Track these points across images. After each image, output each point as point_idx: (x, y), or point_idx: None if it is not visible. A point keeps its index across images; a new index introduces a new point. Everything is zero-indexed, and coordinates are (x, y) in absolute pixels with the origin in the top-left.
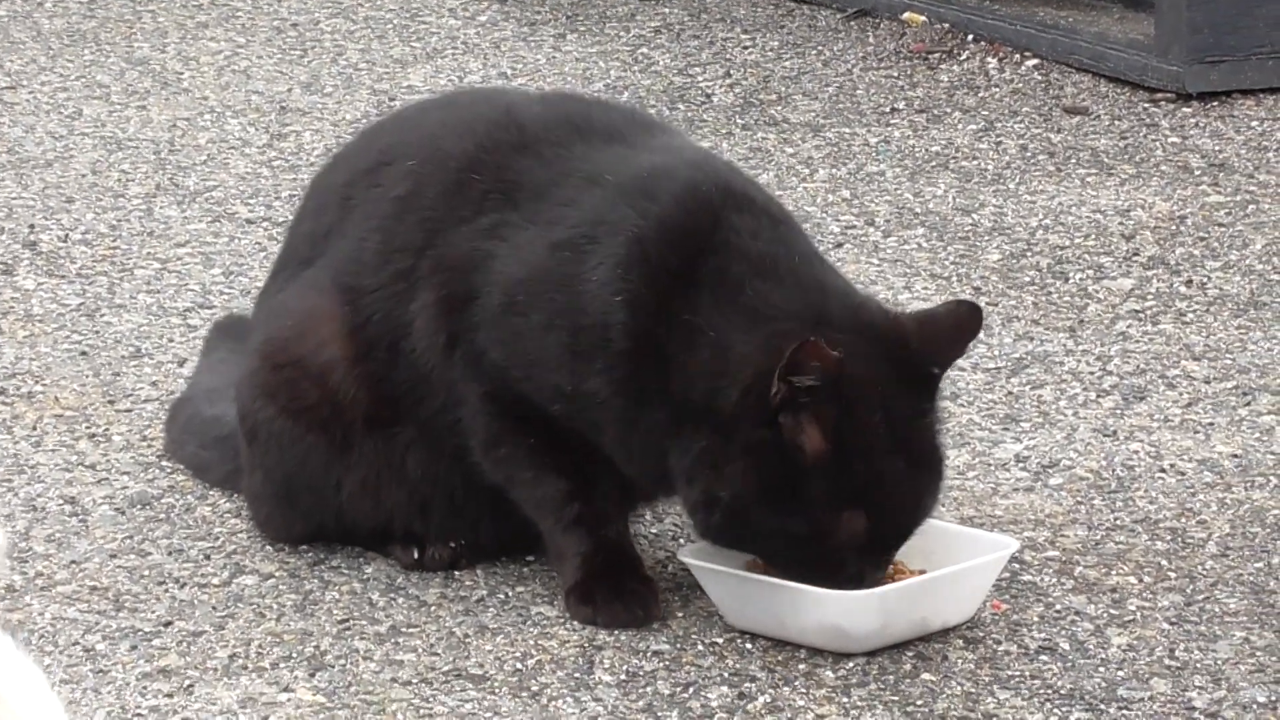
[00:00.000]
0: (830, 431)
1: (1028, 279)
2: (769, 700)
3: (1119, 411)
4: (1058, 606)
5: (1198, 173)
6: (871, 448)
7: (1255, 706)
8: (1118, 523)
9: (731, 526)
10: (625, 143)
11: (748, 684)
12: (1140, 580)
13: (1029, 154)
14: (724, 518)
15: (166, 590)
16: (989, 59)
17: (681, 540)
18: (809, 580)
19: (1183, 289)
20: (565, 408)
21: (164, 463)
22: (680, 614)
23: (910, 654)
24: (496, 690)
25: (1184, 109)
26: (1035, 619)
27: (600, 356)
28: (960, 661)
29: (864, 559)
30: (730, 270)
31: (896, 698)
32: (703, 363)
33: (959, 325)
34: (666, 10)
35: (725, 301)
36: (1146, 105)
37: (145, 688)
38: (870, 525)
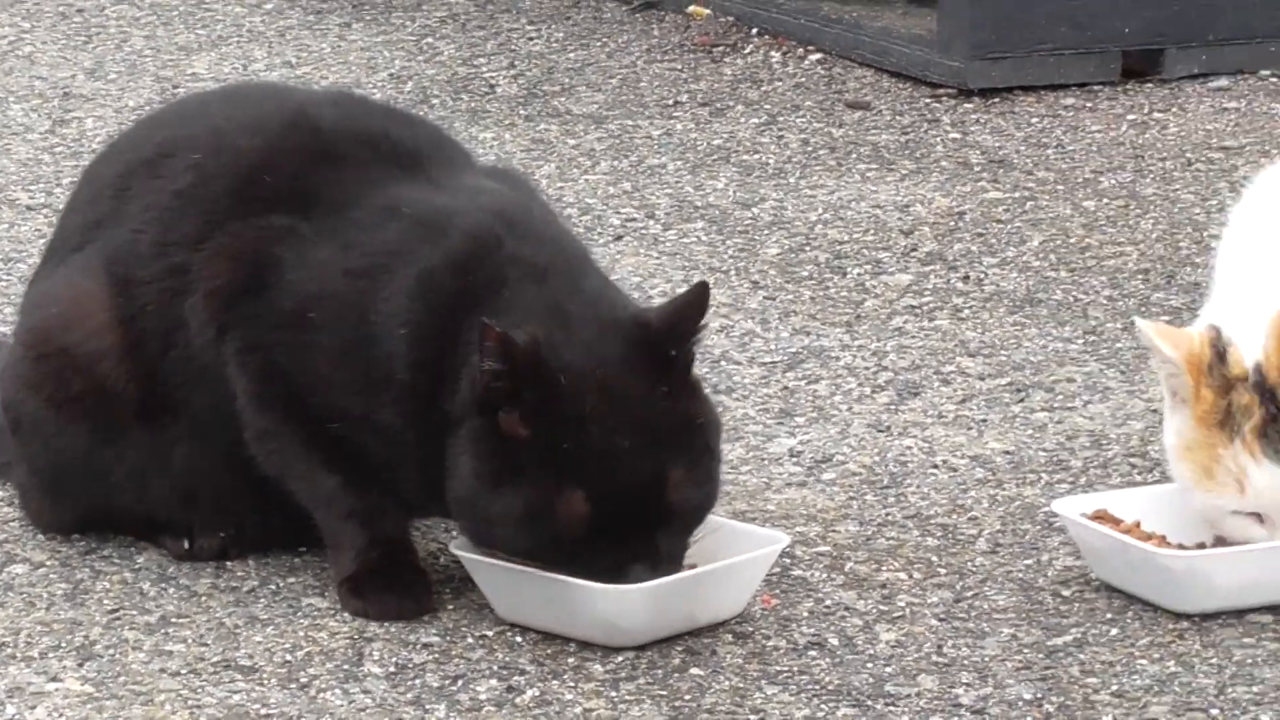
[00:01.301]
0: (531, 416)
1: (806, 273)
2: (538, 694)
3: (893, 407)
4: (827, 602)
5: (977, 169)
6: (586, 430)
7: (1021, 703)
8: (889, 518)
9: (473, 522)
10: (423, 172)
11: (517, 677)
12: (910, 576)
13: (810, 148)
14: (462, 513)
15: None
16: (773, 53)
17: (453, 532)
18: (569, 573)
19: (960, 285)
20: (350, 429)
21: None
22: (451, 606)
23: (679, 648)
24: (265, 681)
25: (965, 105)
26: (805, 614)
27: (389, 388)
28: (729, 656)
29: (627, 551)
30: (504, 297)
31: (665, 692)
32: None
33: (690, 304)
34: (453, 0)
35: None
36: (928, 101)
37: None
38: (593, 506)
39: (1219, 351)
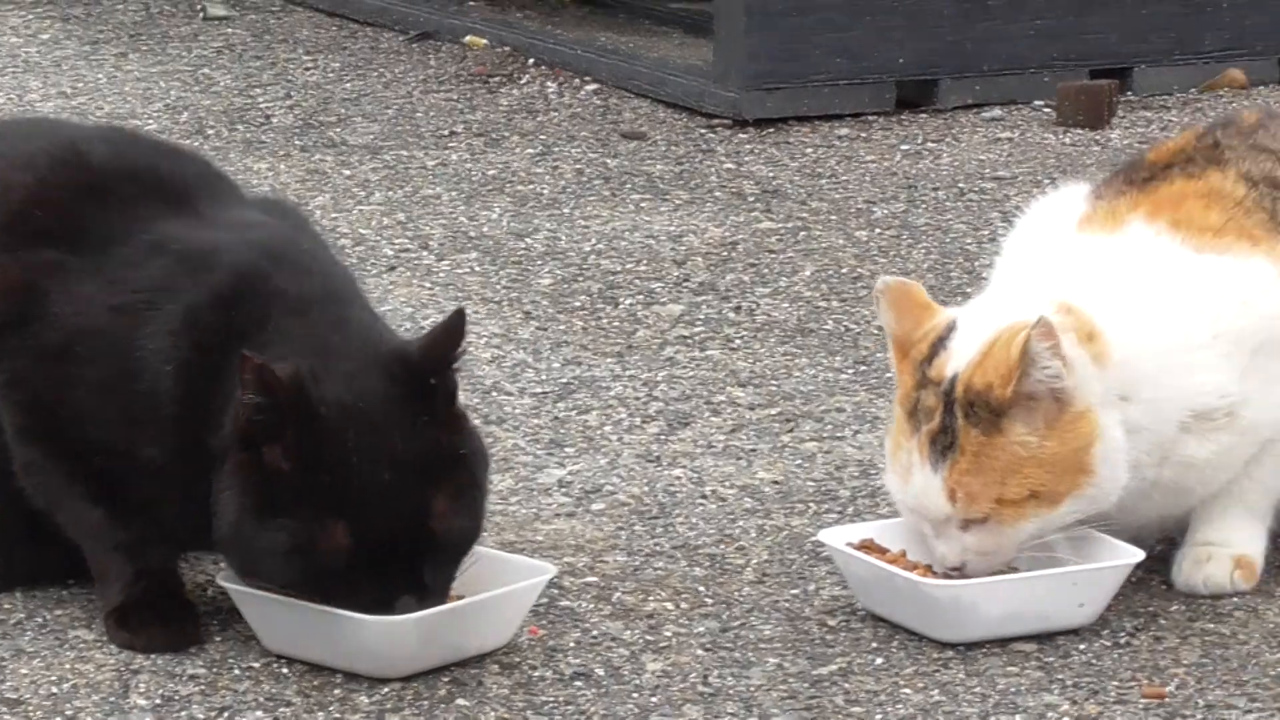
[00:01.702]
0: (293, 449)
1: (578, 304)
2: None
3: (663, 437)
4: (594, 632)
5: (751, 199)
6: (347, 462)
7: None
8: (657, 549)
9: (239, 556)
10: (192, 208)
11: (283, 709)
12: (677, 606)
13: (585, 179)
14: (228, 546)
15: None
16: (549, 83)
17: (221, 563)
18: (335, 604)
19: (732, 315)
20: (116, 463)
21: None
22: (219, 638)
23: (446, 679)
24: (31, 714)
25: (740, 135)
26: (571, 645)
27: (155, 423)
28: (495, 687)
29: (392, 583)
30: (268, 331)
31: None
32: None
33: (448, 332)
34: (230, 31)
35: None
36: (704, 131)
37: None
38: (355, 539)
39: (934, 350)
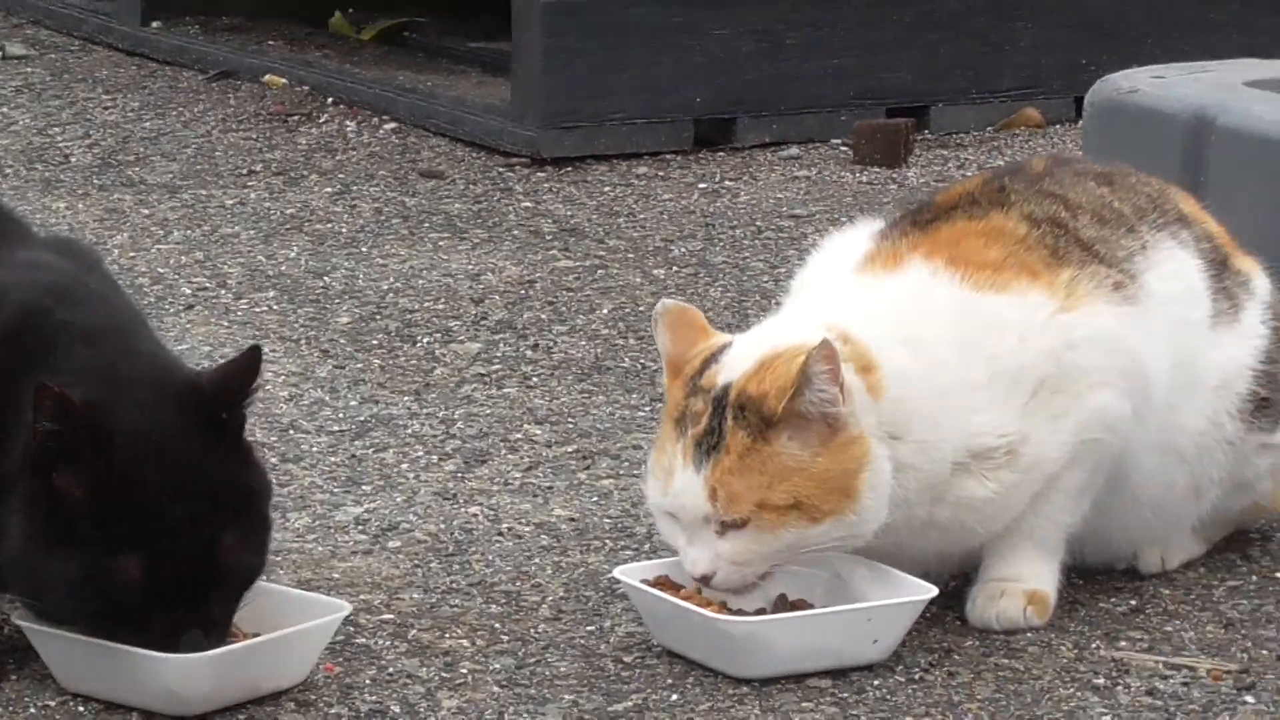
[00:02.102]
0: (88, 477)
1: (376, 342)
2: None
3: (460, 475)
4: (390, 669)
5: (549, 237)
6: (140, 493)
7: None
8: (454, 586)
9: (26, 586)
10: None
11: None
12: (474, 643)
13: (383, 217)
14: (15, 575)
15: None
16: (348, 122)
17: (17, 602)
18: (122, 639)
19: (529, 353)
20: None
21: None
22: (15, 677)
23: (242, 716)
24: None
25: (539, 174)
26: (368, 682)
27: None
28: None
29: (180, 617)
30: (56, 361)
31: None
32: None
33: (242, 368)
34: (29, 70)
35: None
36: (502, 170)
37: None
38: (147, 571)
39: (706, 364)
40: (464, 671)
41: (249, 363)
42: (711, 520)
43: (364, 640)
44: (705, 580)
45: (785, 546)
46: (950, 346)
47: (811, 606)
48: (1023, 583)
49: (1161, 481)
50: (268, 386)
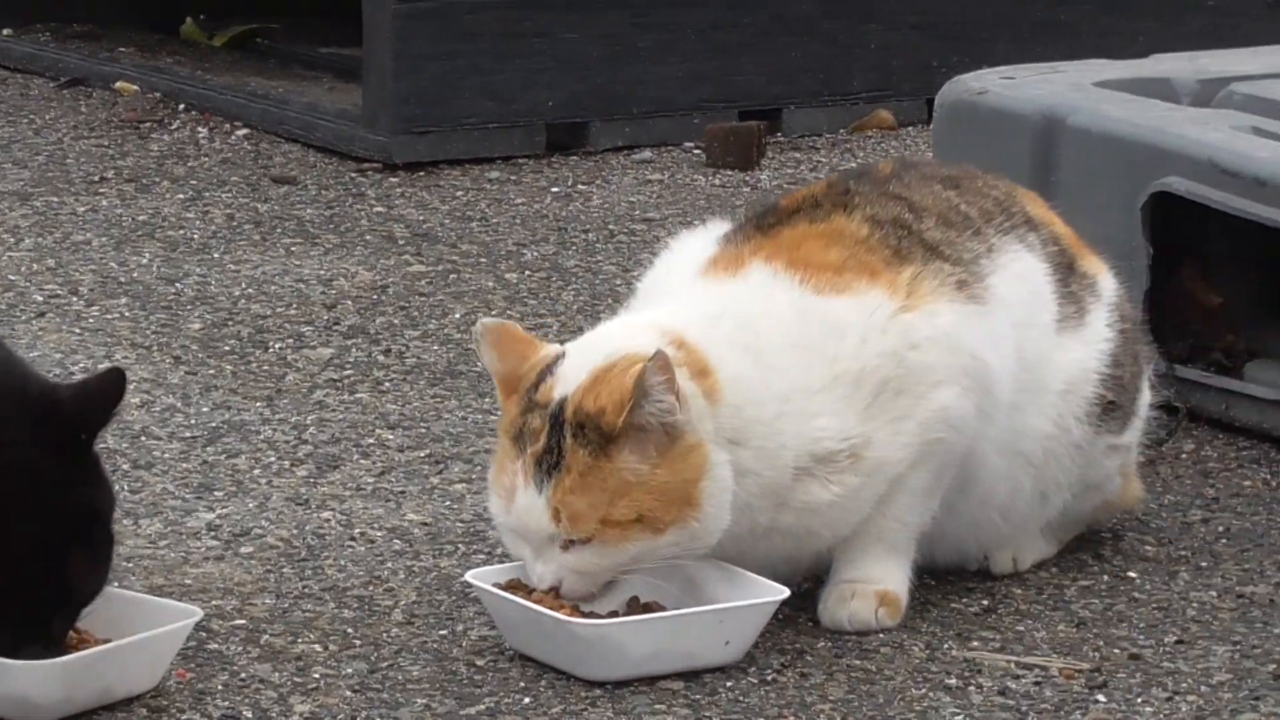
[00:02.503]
0: None
1: (228, 348)
2: None
3: (312, 480)
4: (243, 675)
5: (402, 242)
6: None
7: None
8: (306, 591)
9: None
10: None
11: None
12: (326, 648)
13: (236, 223)
14: None
15: None
16: (200, 128)
17: None
18: None
19: (381, 358)
20: None
21: None
22: None
23: None
24: None
25: (391, 179)
26: (220, 687)
27: None
28: None
29: (21, 633)
30: None
31: None
32: None
33: (106, 392)
34: None
35: None
36: (354, 175)
37: None
38: (5, 591)
39: (541, 378)
40: (316, 676)
41: (112, 386)
42: (556, 539)
43: (216, 646)
44: (555, 593)
45: (630, 558)
46: (790, 351)
47: (664, 609)
48: (874, 584)
49: (1008, 485)
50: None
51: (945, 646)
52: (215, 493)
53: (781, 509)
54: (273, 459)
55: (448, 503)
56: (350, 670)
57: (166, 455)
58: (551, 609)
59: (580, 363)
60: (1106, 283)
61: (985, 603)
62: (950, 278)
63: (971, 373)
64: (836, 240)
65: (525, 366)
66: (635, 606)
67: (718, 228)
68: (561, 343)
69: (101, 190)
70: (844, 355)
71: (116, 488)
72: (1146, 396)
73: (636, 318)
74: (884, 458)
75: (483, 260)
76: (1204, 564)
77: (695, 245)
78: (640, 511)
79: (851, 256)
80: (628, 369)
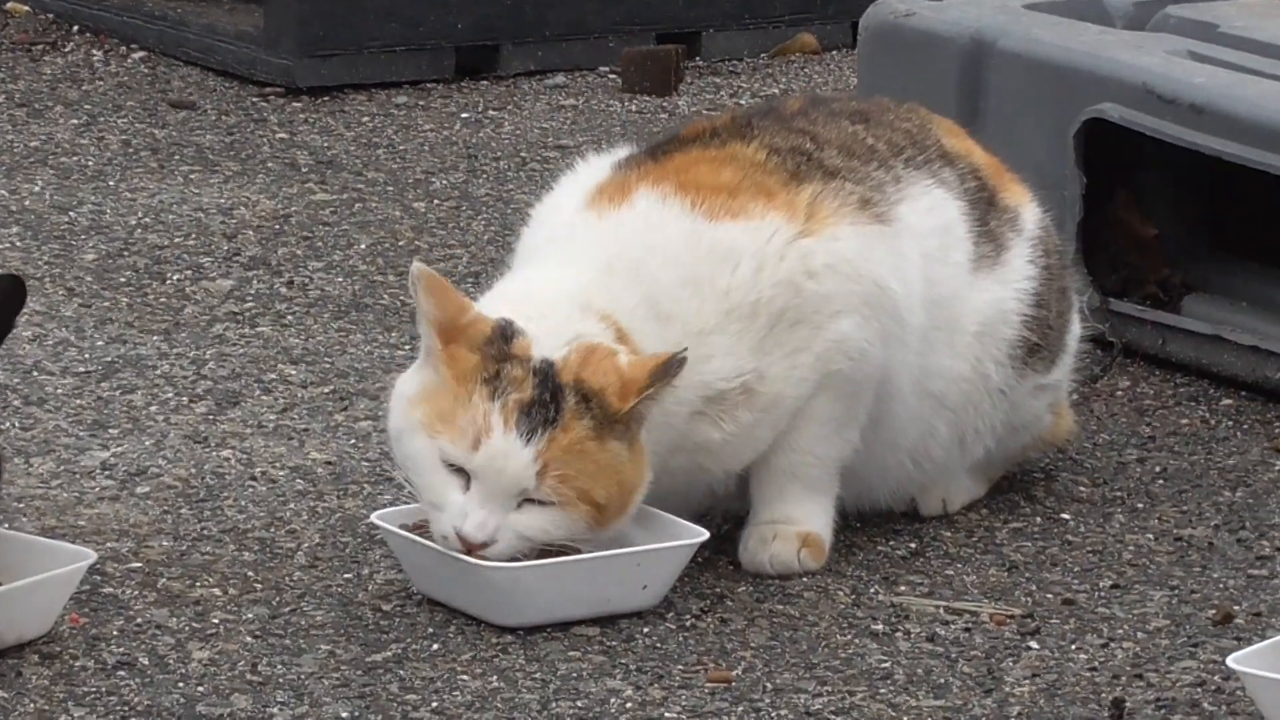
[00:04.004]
0: None
1: (124, 279)
2: None
3: (212, 417)
4: (139, 620)
5: (305, 170)
6: None
7: None
8: (205, 533)
9: None
10: None
11: None
12: (225, 593)
13: (132, 150)
14: None
15: None
16: (95, 51)
17: None
18: None
19: (284, 290)
20: None
21: None
22: None
23: None
24: None
25: (294, 104)
26: (115, 633)
27: None
28: (35, 678)
29: None
30: None
31: None
32: None
33: (3, 300)
34: None
35: None
36: (255, 100)
37: None
38: None
39: (507, 334)
40: (215, 622)
41: (10, 293)
42: (523, 494)
43: (111, 590)
44: (480, 546)
45: (566, 536)
46: (681, 290)
47: (578, 552)
48: (795, 525)
49: (920, 428)
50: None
51: (871, 591)
52: (110, 430)
53: (675, 452)
54: (170, 395)
55: (353, 441)
56: (251, 615)
57: (59, 391)
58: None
59: (548, 331)
60: (1029, 215)
61: (913, 545)
62: (852, 196)
63: (872, 301)
64: (730, 162)
65: (465, 318)
66: (548, 550)
67: (621, 153)
68: (474, 275)
69: None
70: (737, 286)
71: (6, 425)
72: (1076, 331)
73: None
74: (779, 393)
75: (389, 189)
76: (1140, 505)
77: (588, 175)
78: (608, 498)
79: (746, 178)
80: (611, 356)
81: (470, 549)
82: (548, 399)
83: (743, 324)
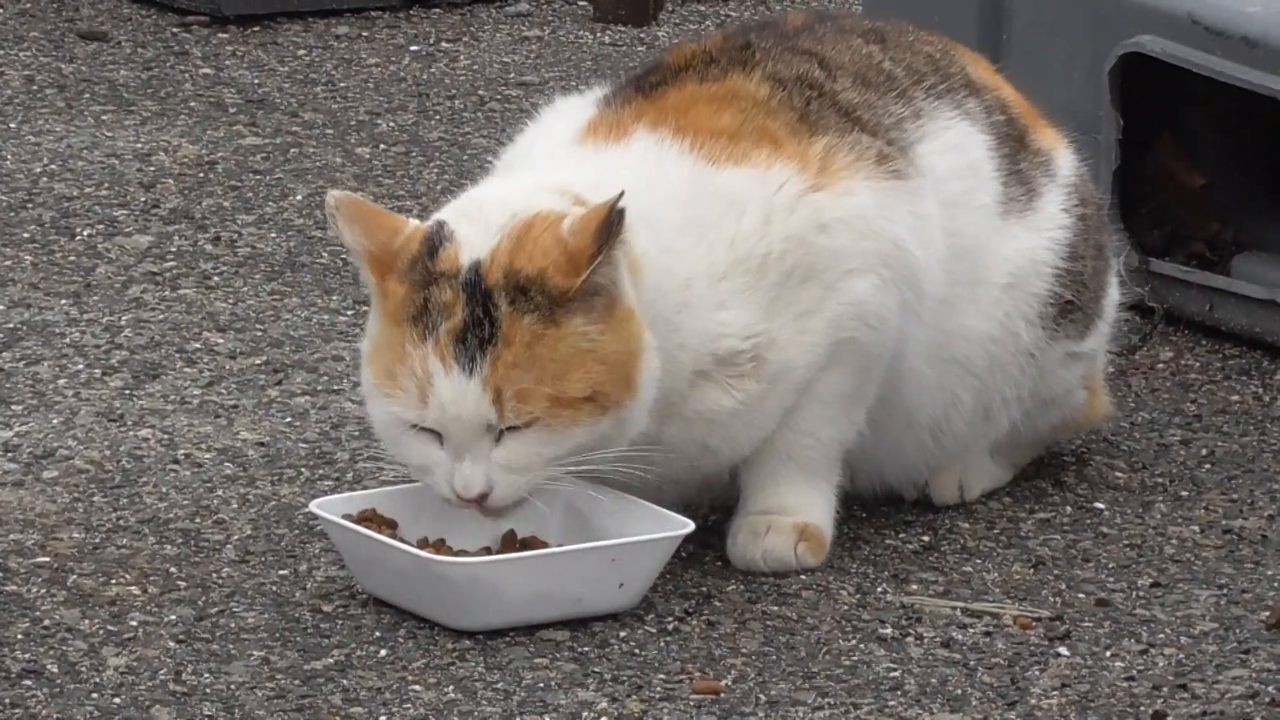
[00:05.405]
0: None
1: (27, 235)
2: None
3: (128, 392)
4: (46, 622)
5: (233, 110)
6: None
7: None
8: (121, 523)
9: None
10: None
11: None
12: (145, 591)
13: (35, 87)
14: None
15: None
16: None
17: None
18: None
19: (209, 248)
20: None
21: None
22: None
23: None
24: None
25: (220, 35)
26: (20, 637)
27: None
28: None
29: None
30: None
31: None
32: None
33: None
34: None
35: None
36: (176, 30)
37: None
38: None
39: (433, 245)
40: (133, 624)
41: None
42: (494, 428)
43: (15, 588)
44: (481, 501)
45: (571, 448)
46: (687, 229)
47: (545, 545)
48: (791, 515)
49: (940, 398)
50: None
51: (879, 590)
52: (13, 407)
53: (669, 420)
54: (80, 367)
55: (288, 419)
56: (174, 617)
57: None
58: (415, 546)
59: (481, 224)
60: (1064, 160)
61: (926, 539)
62: (869, 150)
63: (891, 261)
64: (730, 103)
65: (398, 240)
66: (511, 543)
67: (597, 92)
68: None
69: None
70: (744, 236)
71: None
72: (1114, 296)
73: (520, 177)
74: (788, 360)
75: (329, 132)
76: (1184, 493)
77: (570, 112)
78: (593, 385)
79: (748, 122)
80: (554, 225)
81: (477, 506)
82: (478, 316)
83: (752, 278)
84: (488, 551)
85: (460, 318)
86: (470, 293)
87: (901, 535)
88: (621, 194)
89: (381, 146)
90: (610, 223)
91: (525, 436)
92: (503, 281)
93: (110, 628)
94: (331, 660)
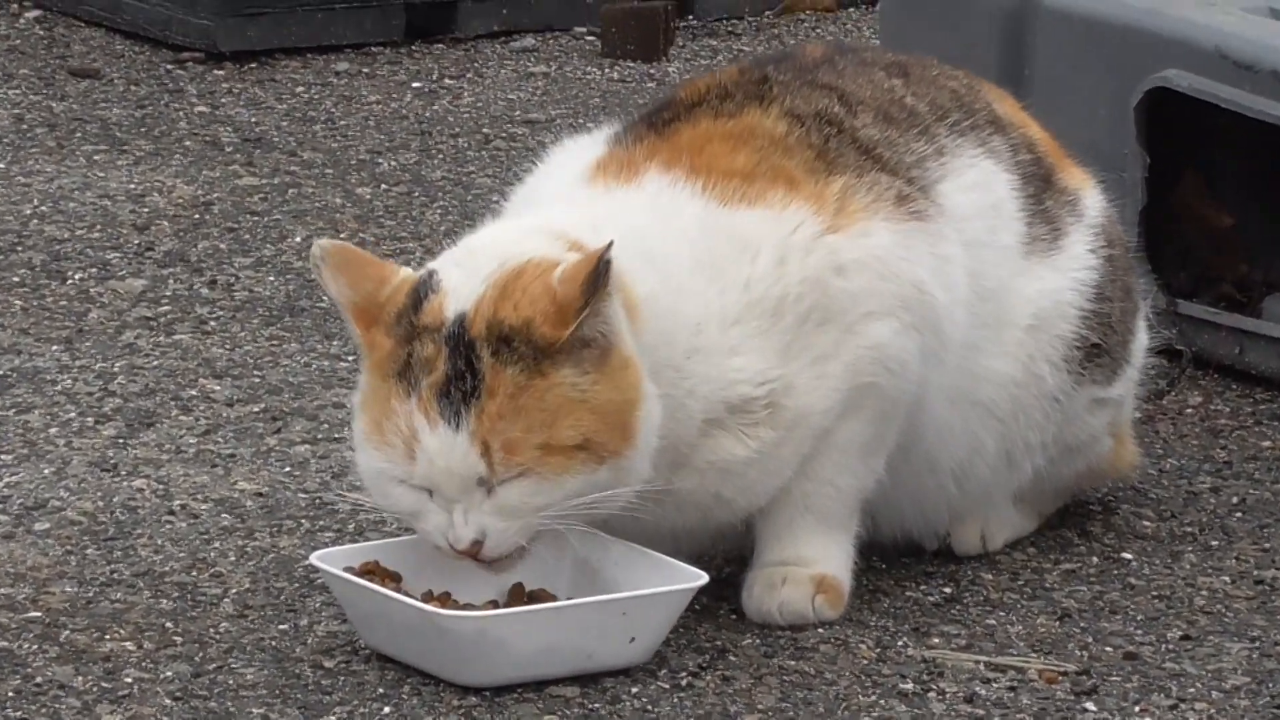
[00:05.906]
0: None
1: (17, 279)
2: None
3: (122, 441)
4: (38, 679)
5: (229, 149)
6: None
7: None
8: (115, 577)
9: None
10: None
11: None
12: (140, 647)
13: (25, 126)
14: None
15: None
16: None
17: None
18: None
19: (205, 291)
20: None
21: None
22: None
23: None
24: None
25: (216, 72)
26: (10, 694)
27: None
28: None
29: None
30: None
31: None
32: None
33: None
34: None
35: None
36: (170, 67)
37: None
38: None
39: (418, 297)
40: (128, 681)
41: None
42: (485, 481)
43: (5, 644)
44: (475, 551)
45: (565, 496)
46: (699, 271)
47: (554, 598)
48: (808, 566)
49: (964, 444)
50: None
51: (899, 644)
52: (3, 457)
53: (681, 470)
54: (73, 415)
55: (287, 468)
56: (170, 674)
57: None
58: (418, 599)
59: (469, 273)
60: (1091, 201)
61: (948, 590)
62: (888, 190)
63: (911, 304)
64: (746, 141)
65: (386, 290)
66: (519, 596)
67: (607, 130)
68: None
69: None
70: (758, 278)
71: None
72: (1142, 340)
73: (516, 222)
74: (806, 406)
75: (329, 171)
76: (1214, 543)
77: (579, 151)
78: (585, 434)
79: (763, 162)
80: (545, 273)
81: (472, 558)
82: (462, 368)
83: (767, 322)
84: (495, 605)
85: (442, 371)
86: (453, 346)
87: (923, 587)
88: (610, 244)
89: (383, 186)
90: (598, 274)
91: (517, 485)
92: (485, 333)
93: (104, 685)
94: (334, 718)
